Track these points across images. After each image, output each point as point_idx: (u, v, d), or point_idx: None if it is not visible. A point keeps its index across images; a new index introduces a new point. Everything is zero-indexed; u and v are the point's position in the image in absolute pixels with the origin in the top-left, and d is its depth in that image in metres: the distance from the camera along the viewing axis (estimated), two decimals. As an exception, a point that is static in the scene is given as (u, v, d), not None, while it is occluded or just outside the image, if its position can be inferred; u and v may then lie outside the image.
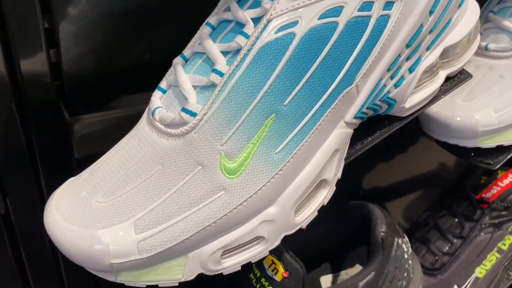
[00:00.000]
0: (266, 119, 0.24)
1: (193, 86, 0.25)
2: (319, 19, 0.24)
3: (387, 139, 0.33)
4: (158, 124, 0.25)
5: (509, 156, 0.44)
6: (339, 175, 0.28)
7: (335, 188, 0.28)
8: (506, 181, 0.55)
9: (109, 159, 0.26)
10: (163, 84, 0.27)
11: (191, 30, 0.31)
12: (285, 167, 0.24)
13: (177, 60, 0.27)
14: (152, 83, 0.30)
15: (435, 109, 0.42)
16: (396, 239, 0.41)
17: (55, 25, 0.35)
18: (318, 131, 0.25)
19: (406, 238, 0.44)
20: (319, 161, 0.25)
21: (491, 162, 0.43)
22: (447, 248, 0.52)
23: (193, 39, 0.28)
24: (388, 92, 0.28)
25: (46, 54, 0.35)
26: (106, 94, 0.39)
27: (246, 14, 0.24)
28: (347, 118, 0.26)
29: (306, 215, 0.26)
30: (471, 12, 0.32)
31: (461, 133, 0.42)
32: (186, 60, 0.27)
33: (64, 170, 0.39)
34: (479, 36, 0.33)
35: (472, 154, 0.43)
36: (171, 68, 0.27)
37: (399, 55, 0.27)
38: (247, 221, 0.24)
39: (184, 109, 0.24)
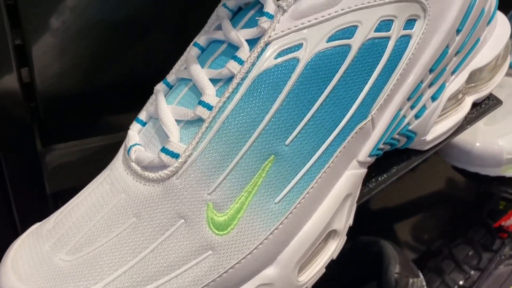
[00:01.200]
0: (263, 162, 0.20)
1: (176, 120, 0.21)
2: (328, 41, 0.20)
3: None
4: (134, 165, 0.21)
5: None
6: (350, 222, 0.24)
7: (345, 238, 0.24)
8: (526, 208, 0.51)
9: (76, 207, 0.22)
10: (142, 115, 0.23)
11: (181, 47, 0.28)
12: (286, 220, 0.20)
13: (159, 87, 0.23)
14: (136, 107, 0.27)
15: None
16: (411, 280, 0.37)
17: (26, 41, 0.31)
18: (327, 174, 0.21)
19: (421, 276, 0.39)
20: (328, 210, 0.21)
21: (516, 193, 0.39)
22: (463, 280, 0.48)
23: (179, 62, 0.24)
24: (408, 124, 0.24)
25: (17, 73, 0.32)
26: (85, 118, 0.35)
27: (240, 35, 0.20)
28: (360, 157, 0.22)
29: (312, 274, 0.21)
30: (501, 29, 0.28)
31: (484, 161, 0.38)
32: (170, 87, 0.23)
33: (39, 205, 0.35)
34: (509, 57, 0.29)
35: (495, 183, 0.39)
36: (153, 96, 0.23)
37: (421, 82, 0.23)
38: (240, 287, 0.20)
39: (164, 149, 0.20)
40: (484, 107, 0.28)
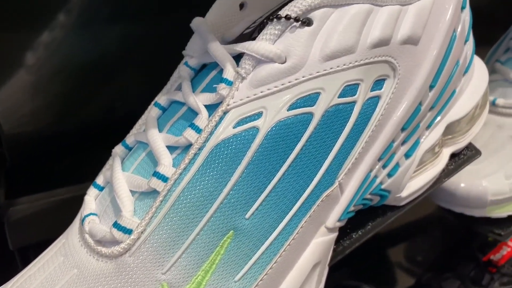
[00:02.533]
0: (222, 238, 0.18)
1: (131, 191, 0.20)
2: (289, 110, 0.19)
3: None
4: (88, 237, 0.20)
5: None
6: (322, 287, 0.23)
7: (315, 305, 0.22)
8: (517, 241, 0.50)
9: (29, 279, 0.20)
10: (99, 179, 0.22)
11: (154, 89, 0.27)
12: (247, 298, 0.19)
13: (118, 149, 0.22)
14: (106, 154, 0.26)
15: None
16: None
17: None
18: (291, 247, 0.20)
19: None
20: (294, 283, 0.20)
21: (502, 233, 0.38)
22: (452, 316, 0.47)
23: (140, 121, 0.23)
24: (381, 183, 0.23)
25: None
26: (53, 165, 0.34)
27: (198, 100, 0.19)
28: (329, 223, 0.21)
29: None
30: (479, 76, 0.27)
31: (468, 202, 0.36)
32: (129, 149, 0.22)
33: (4, 263, 0.33)
34: (488, 104, 0.28)
35: (481, 222, 0.38)
36: (110, 160, 0.22)
37: (393, 141, 0.22)
38: None
39: (116, 224, 0.18)
40: (463, 158, 0.27)
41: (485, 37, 0.52)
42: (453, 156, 0.27)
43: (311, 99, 0.19)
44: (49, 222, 0.31)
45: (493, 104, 0.38)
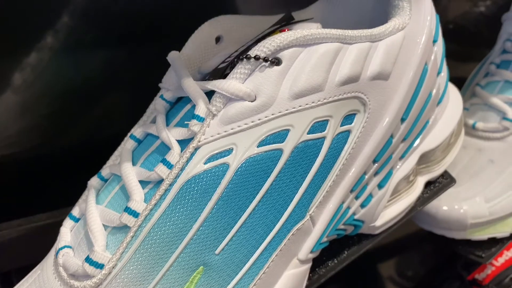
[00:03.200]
0: (191, 274, 0.19)
1: (104, 225, 0.20)
2: (258, 146, 0.19)
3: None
4: (62, 270, 0.20)
5: (503, 248, 0.39)
6: (295, 318, 0.23)
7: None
8: (501, 260, 0.50)
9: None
10: (75, 211, 0.22)
11: (137, 112, 0.27)
12: (217, 333, 0.19)
13: (93, 181, 0.22)
14: (86, 177, 0.26)
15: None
16: None
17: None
18: (262, 281, 0.20)
19: None
20: (265, 316, 0.21)
21: (483, 255, 0.38)
22: (438, 335, 0.47)
23: (116, 152, 0.23)
24: (354, 214, 0.24)
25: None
26: (36, 188, 0.34)
27: (171, 135, 0.20)
28: (301, 255, 0.21)
29: None
30: (453, 106, 0.28)
31: (448, 225, 0.37)
32: (104, 181, 0.22)
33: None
34: (462, 132, 0.29)
35: (461, 246, 0.39)
36: (86, 192, 0.23)
37: (365, 173, 0.23)
38: None
39: (88, 259, 0.19)
40: (438, 186, 0.27)
41: (470, 54, 0.53)
42: (428, 184, 0.28)
43: (280, 135, 0.19)
44: (31, 247, 0.31)
45: (473, 127, 0.38)
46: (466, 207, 0.36)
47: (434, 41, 0.24)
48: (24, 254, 0.30)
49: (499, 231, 0.38)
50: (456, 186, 0.38)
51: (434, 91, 0.25)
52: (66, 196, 0.32)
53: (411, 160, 0.25)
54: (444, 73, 0.26)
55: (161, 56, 0.26)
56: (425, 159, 0.26)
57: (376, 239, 0.26)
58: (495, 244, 0.38)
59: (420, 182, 0.26)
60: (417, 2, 0.23)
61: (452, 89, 0.28)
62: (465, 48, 0.61)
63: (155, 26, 0.35)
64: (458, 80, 0.46)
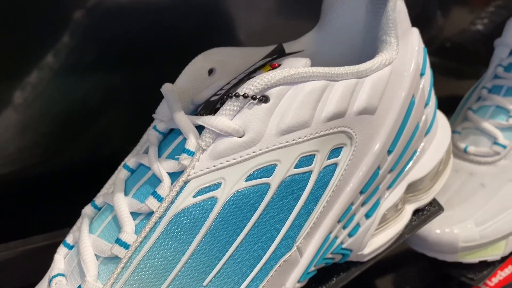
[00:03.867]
0: (180, 305, 0.20)
1: (96, 255, 0.20)
2: (246, 180, 0.20)
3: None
4: (54, 299, 0.21)
5: (494, 271, 0.40)
6: None
7: None
8: (495, 280, 0.50)
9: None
10: (69, 238, 0.22)
11: (137, 130, 0.27)
12: None
13: (87, 210, 0.22)
14: (84, 201, 0.26)
15: (410, 218, 0.38)
16: None
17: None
18: (249, 311, 0.21)
19: None
20: None
21: (474, 278, 0.38)
22: None
23: (110, 181, 0.24)
24: (341, 243, 0.24)
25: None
26: (34, 209, 0.35)
27: (162, 168, 0.20)
28: (289, 285, 0.22)
29: None
30: (441, 135, 0.28)
31: (440, 248, 0.37)
32: (98, 209, 0.23)
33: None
34: (451, 160, 0.29)
35: (453, 268, 0.39)
36: (80, 219, 0.23)
37: (352, 204, 0.23)
38: None
39: (80, 289, 0.20)
40: (426, 213, 0.28)
41: (467, 72, 0.54)
42: (416, 211, 0.28)
43: (267, 170, 0.20)
44: (27, 269, 0.31)
45: (464, 151, 0.39)
46: (457, 231, 0.36)
47: (422, 74, 0.25)
48: (20, 276, 0.31)
49: (490, 255, 0.38)
50: (448, 210, 0.38)
51: (421, 122, 0.26)
52: (63, 216, 0.33)
53: (399, 190, 0.25)
54: (432, 103, 0.27)
55: (158, 80, 0.26)
56: (413, 188, 0.27)
57: (365, 266, 0.26)
58: (486, 267, 0.38)
59: (408, 210, 0.27)
60: (405, 37, 0.24)
61: (441, 118, 0.29)
62: (463, 66, 0.62)
63: (154, 50, 0.36)
64: (455, 98, 0.47)
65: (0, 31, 0.33)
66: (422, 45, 0.26)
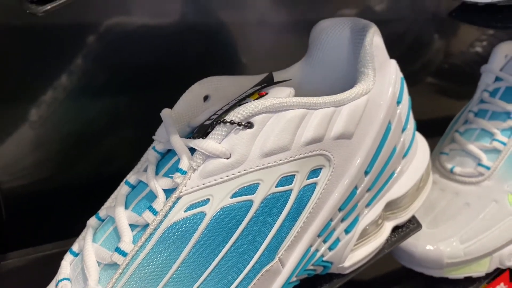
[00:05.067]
0: (170, 308, 0.22)
1: (98, 261, 0.23)
2: (232, 197, 0.22)
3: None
4: (59, 301, 0.23)
5: (480, 286, 0.41)
6: None
7: None
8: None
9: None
10: (75, 247, 0.25)
11: (140, 149, 0.30)
12: None
13: (92, 221, 0.25)
14: (91, 207, 0.29)
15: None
16: None
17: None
18: (233, 316, 0.23)
19: None
20: None
21: (461, 294, 0.40)
22: None
23: (113, 196, 0.26)
24: (322, 255, 0.26)
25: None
26: (44, 220, 0.37)
27: (158, 185, 0.23)
28: (271, 293, 0.24)
29: None
30: (420, 157, 0.30)
31: (426, 263, 0.39)
32: (101, 221, 0.25)
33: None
34: (430, 180, 0.31)
35: (440, 284, 0.40)
36: (85, 230, 0.26)
37: (331, 220, 0.25)
38: None
39: (82, 292, 0.22)
40: (405, 230, 0.30)
41: (464, 93, 0.55)
42: (396, 228, 0.30)
43: (251, 188, 0.22)
44: (37, 274, 0.34)
45: (451, 172, 0.41)
46: (443, 247, 0.38)
47: (398, 102, 0.27)
48: (30, 282, 0.33)
49: (475, 271, 0.39)
50: (434, 227, 0.40)
51: (399, 146, 0.28)
52: (70, 227, 0.35)
53: (378, 208, 0.27)
54: (410, 127, 0.29)
55: (161, 103, 0.29)
56: (392, 206, 0.29)
57: (347, 278, 0.28)
58: (472, 283, 0.40)
59: (387, 227, 0.29)
60: (382, 69, 0.26)
61: (421, 140, 0.31)
62: (460, 87, 0.63)
63: (158, 76, 0.39)
64: (451, 119, 0.48)
65: (20, 54, 0.36)
66: (399, 75, 0.28)
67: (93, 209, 0.28)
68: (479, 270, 0.39)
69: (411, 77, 0.60)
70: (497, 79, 0.42)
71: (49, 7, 0.16)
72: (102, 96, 0.40)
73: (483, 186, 0.39)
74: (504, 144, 0.39)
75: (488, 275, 0.40)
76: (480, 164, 0.39)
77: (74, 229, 0.34)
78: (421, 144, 0.31)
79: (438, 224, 0.39)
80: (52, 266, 0.29)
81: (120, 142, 0.41)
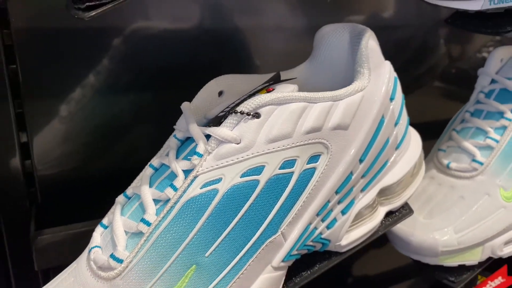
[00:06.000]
0: (186, 270, 0.25)
1: (125, 231, 0.26)
2: (241, 177, 0.26)
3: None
4: (92, 264, 0.26)
5: (473, 275, 0.43)
6: (271, 313, 0.29)
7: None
8: (485, 289, 0.54)
9: (47, 293, 0.27)
10: (105, 220, 0.29)
11: (161, 142, 0.33)
12: (204, 317, 0.25)
13: (120, 198, 0.29)
14: (115, 192, 0.32)
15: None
16: None
17: (30, 139, 0.38)
18: (241, 280, 0.26)
19: None
20: (243, 308, 0.26)
21: (455, 281, 0.42)
22: None
23: (138, 177, 0.30)
24: (320, 233, 0.29)
25: (21, 165, 0.38)
26: (74, 203, 0.41)
27: (178, 166, 0.26)
28: (274, 263, 0.27)
29: None
30: (413, 149, 0.33)
31: (422, 251, 0.41)
32: (128, 198, 0.29)
33: (32, 277, 0.41)
34: (422, 171, 0.34)
35: (436, 272, 0.43)
36: (114, 206, 0.29)
37: (328, 201, 0.29)
38: None
39: (112, 255, 0.25)
40: (398, 215, 0.33)
41: (467, 97, 0.58)
42: (390, 213, 0.33)
43: (258, 170, 0.26)
44: (68, 249, 0.38)
45: (447, 167, 0.43)
46: (438, 236, 0.41)
47: (391, 99, 0.30)
48: (62, 256, 0.37)
49: (468, 260, 0.42)
50: (430, 218, 0.43)
51: (391, 138, 0.31)
52: (97, 209, 0.39)
53: (372, 193, 0.31)
54: (403, 122, 0.32)
55: (180, 99, 0.32)
56: (385, 193, 0.32)
57: (344, 256, 0.31)
58: (466, 271, 0.42)
59: (381, 211, 0.32)
60: (376, 69, 0.30)
61: (414, 135, 0.34)
62: (464, 90, 0.66)
63: (178, 74, 0.42)
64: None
65: (52, 55, 0.40)
66: (393, 75, 0.31)
67: (117, 194, 0.32)
68: (472, 258, 0.42)
69: (417, 80, 0.62)
70: (493, 81, 0.45)
71: (93, 13, 0.20)
72: (126, 94, 0.44)
73: (476, 180, 0.42)
74: (497, 141, 0.41)
75: (481, 264, 0.42)
76: (474, 160, 0.42)
77: (100, 211, 0.38)
78: (414, 138, 0.34)
79: (434, 216, 0.42)
80: (81, 242, 0.33)
81: (142, 136, 0.45)
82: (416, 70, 0.62)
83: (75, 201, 0.42)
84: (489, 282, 0.55)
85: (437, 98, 0.66)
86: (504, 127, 0.42)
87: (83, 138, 0.43)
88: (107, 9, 0.20)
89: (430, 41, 0.61)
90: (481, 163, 0.42)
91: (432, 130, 0.49)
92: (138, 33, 0.43)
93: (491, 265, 0.51)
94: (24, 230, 0.39)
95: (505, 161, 0.41)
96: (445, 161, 0.43)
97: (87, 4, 0.21)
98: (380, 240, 0.52)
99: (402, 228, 0.43)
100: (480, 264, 0.42)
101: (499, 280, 0.54)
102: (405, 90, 0.61)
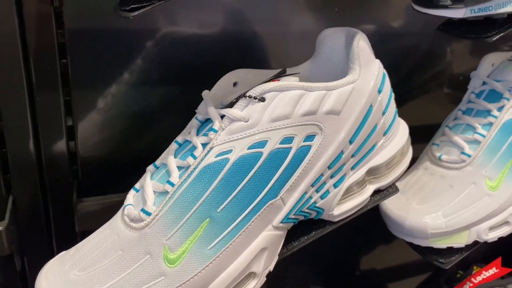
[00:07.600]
0: (201, 222, 0.31)
1: (153, 191, 0.32)
2: (248, 149, 0.31)
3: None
4: (126, 218, 0.32)
5: (461, 257, 0.47)
6: (270, 268, 0.34)
7: (265, 279, 0.33)
8: (479, 278, 0.57)
9: (89, 241, 0.33)
10: (137, 185, 0.35)
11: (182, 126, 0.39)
12: (215, 261, 0.31)
13: (150, 167, 0.35)
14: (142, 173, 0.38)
15: (391, 208, 0.47)
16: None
17: (75, 123, 0.44)
18: (246, 233, 0.32)
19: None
20: (247, 257, 0.32)
21: (444, 262, 0.47)
22: None
23: (166, 151, 0.36)
24: (315, 202, 0.35)
25: (66, 146, 0.45)
26: (110, 179, 0.47)
27: (198, 140, 0.33)
28: (274, 223, 0.33)
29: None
30: (400, 136, 0.38)
31: (414, 233, 0.46)
32: (156, 167, 0.35)
33: (72, 237, 0.47)
34: (409, 155, 0.39)
35: (427, 254, 0.47)
36: (145, 174, 0.35)
37: (322, 175, 0.34)
38: (180, 302, 0.30)
39: (142, 209, 0.32)
40: (385, 193, 0.38)
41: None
42: (379, 191, 0.38)
43: (261, 144, 0.31)
44: (104, 215, 0.44)
45: (439, 159, 0.48)
46: (427, 220, 0.45)
47: (379, 91, 0.36)
48: (99, 220, 0.43)
49: (456, 242, 0.46)
50: (422, 204, 0.47)
51: (379, 125, 0.36)
52: (129, 186, 0.45)
53: (361, 171, 0.36)
54: (391, 112, 0.37)
55: (200, 95, 0.38)
56: (373, 172, 0.37)
57: (337, 225, 0.36)
58: (454, 253, 0.46)
59: (370, 188, 0.37)
60: (366, 66, 0.35)
61: (402, 124, 0.39)
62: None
63: (202, 72, 0.48)
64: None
65: (96, 53, 0.46)
66: (382, 71, 0.36)
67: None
68: (460, 241, 0.46)
69: (423, 86, 0.66)
70: (484, 83, 0.49)
71: (136, 13, 0.26)
72: (155, 89, 0.50)
73: (465, 171, 0.46)
74: (484, 136, 0.46)
75: (468, 247, 0.46)
76: (463, 153, 0.46)
77: (130, 187, 0.44)
78: (403, 127, 0.39)
79: (426, 202, 0.46)
80: (115, 210, 0.39)
81: (169, 126, 0.51)
82: (421, 76, 0.65)
83: (110, 179, 0.48)
84: (483, 272, 0.58)
85: (442, 104, 0.70)
86: (491, 124, 0.46)
87: (119, 126, 0.50)
88: (147, 10, 0.26)
89: (435, 49, 0.65)
90: (469, 156, 0.46)
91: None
92: (168, 36, 0.49)
93: (487, 257, 0.55)
94: (66, 200, 0.46)
95: (491, 154, 0.46)
96: (437, 154, 0.48)
97: (132, 6, 0.28)
98: (387, 239, 0.56)
99: (397, 213, 0.47)
100: (467, 247, 0.46)
101: (493, 271, 0.58)
102: (411, 96, 0.65)
